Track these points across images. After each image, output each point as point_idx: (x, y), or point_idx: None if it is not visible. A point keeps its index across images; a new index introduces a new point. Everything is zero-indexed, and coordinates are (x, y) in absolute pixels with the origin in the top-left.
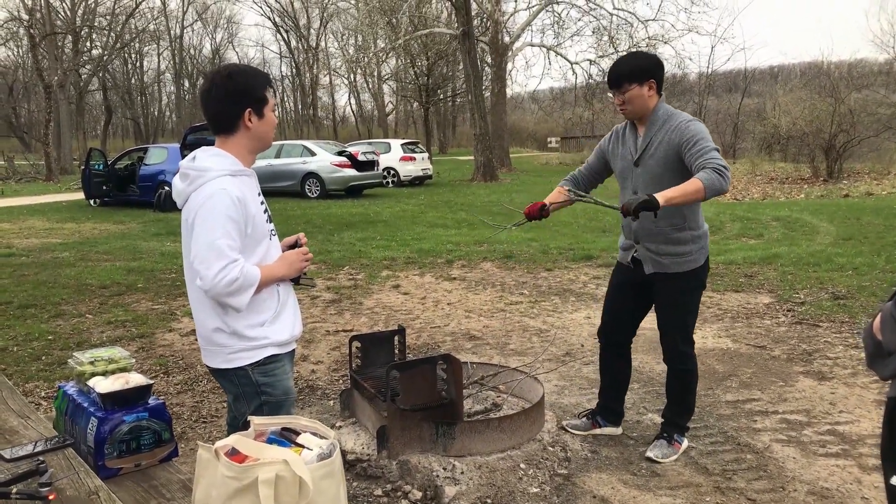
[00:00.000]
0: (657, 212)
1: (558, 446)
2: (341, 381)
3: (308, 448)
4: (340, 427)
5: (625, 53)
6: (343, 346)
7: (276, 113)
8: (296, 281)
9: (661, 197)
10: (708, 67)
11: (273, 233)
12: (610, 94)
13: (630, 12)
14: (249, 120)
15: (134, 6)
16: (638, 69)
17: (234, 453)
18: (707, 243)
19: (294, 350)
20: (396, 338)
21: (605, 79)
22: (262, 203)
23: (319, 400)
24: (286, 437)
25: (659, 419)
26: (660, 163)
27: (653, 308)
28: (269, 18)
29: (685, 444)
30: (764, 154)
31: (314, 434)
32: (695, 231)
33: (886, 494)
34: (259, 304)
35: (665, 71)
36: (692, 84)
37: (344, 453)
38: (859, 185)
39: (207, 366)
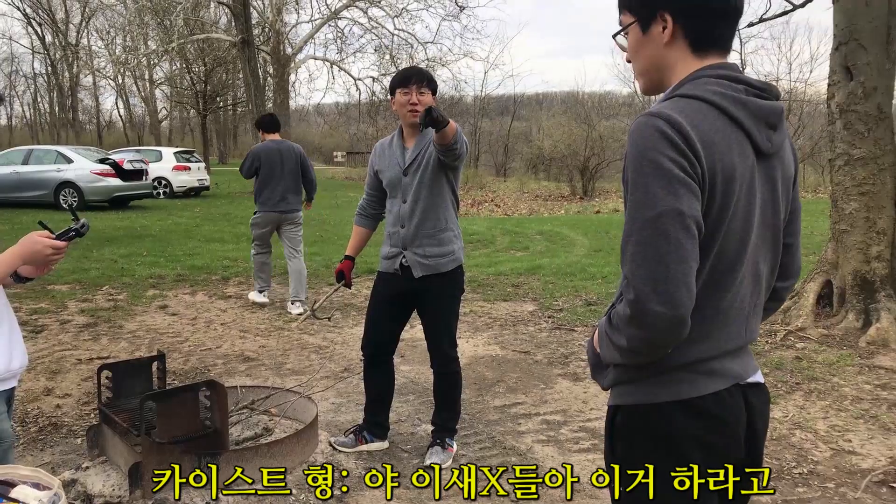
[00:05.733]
0: (438, 126)
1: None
2: (93, 416)
3: (24, 503)
4: (87, 468)
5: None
6: None
7: None
8: (19, 278)
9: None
10: (482, 91)
11: None
12: (402, 92)
13: (410, 33)
14: None
15: None
16: (434, 81)
17: None
18: (462, 245)
19: (13, 388)
20: (155, 364)
21: (395, 83)
22: None
23: (65, 438)
24: None
25: (432, 427)
26: (426, 171)
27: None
28: (19, 9)
29: (455, 446)
30: (531, 173)
31: (35, 485)
32: (454, 231)
33: (611, 499)
34: None
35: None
36: (468, 106)
37: (91, 497)
38: (608, 203)
39: None
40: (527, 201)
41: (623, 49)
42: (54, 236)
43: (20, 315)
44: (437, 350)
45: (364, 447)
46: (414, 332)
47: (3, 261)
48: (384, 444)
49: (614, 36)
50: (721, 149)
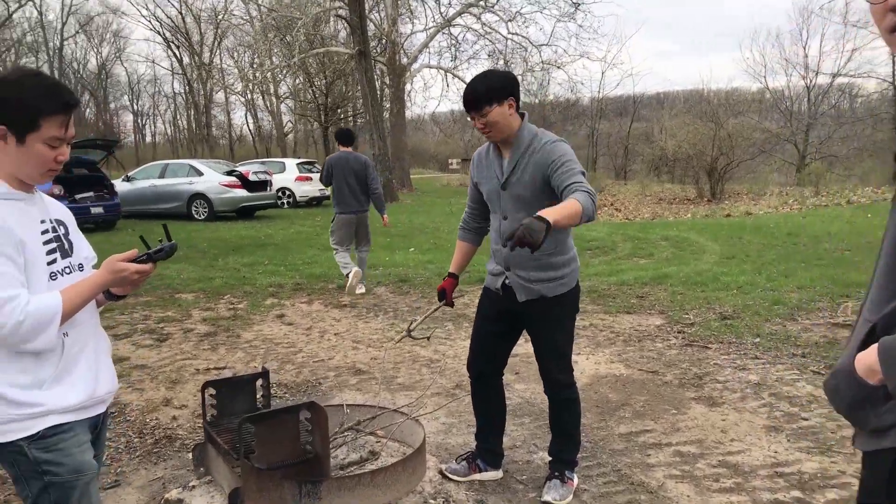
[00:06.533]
0: (544, 239)
1: (441, 498)
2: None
3: None
4: (194, 487)
5: (478, 74)
6: None
7: (61, 151)
8: (111, 296)
9: (550, 217)
10: (599, 92)
11: (64, 272)
12: (469, 119)
13: (524, 37)
14: (3, 139)
15: (6, 15)
16: (495, 89)
17: None
18: (577, 266)
19: (102, 414)
20: (259, 381)
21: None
22: (46, 233)
23: (177, 452)
24: None
25: (549, 458)
26: (527, 186)
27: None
28: (160, 34)
29: (576, 480)
30: (653, 175)
31: None
32: (565, 255)
33: None
34: (31, 359)
35: (521, 87)
36: (585, 108)
37: None
38: (739, 205)
39: None
40: (649, 205)
41: None
42: (136, 259)
43: (149, 323)
44: (547, 374)
45: (477, 476)
46: (528, 345)
47: (88, 287)
48: (498, 474)
49: None
50: None
